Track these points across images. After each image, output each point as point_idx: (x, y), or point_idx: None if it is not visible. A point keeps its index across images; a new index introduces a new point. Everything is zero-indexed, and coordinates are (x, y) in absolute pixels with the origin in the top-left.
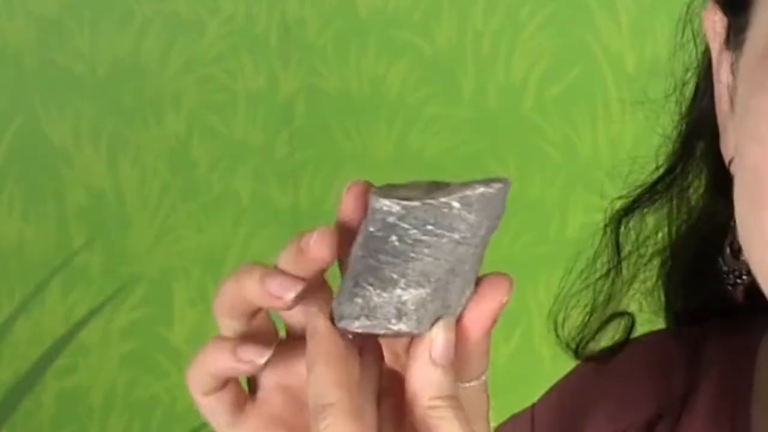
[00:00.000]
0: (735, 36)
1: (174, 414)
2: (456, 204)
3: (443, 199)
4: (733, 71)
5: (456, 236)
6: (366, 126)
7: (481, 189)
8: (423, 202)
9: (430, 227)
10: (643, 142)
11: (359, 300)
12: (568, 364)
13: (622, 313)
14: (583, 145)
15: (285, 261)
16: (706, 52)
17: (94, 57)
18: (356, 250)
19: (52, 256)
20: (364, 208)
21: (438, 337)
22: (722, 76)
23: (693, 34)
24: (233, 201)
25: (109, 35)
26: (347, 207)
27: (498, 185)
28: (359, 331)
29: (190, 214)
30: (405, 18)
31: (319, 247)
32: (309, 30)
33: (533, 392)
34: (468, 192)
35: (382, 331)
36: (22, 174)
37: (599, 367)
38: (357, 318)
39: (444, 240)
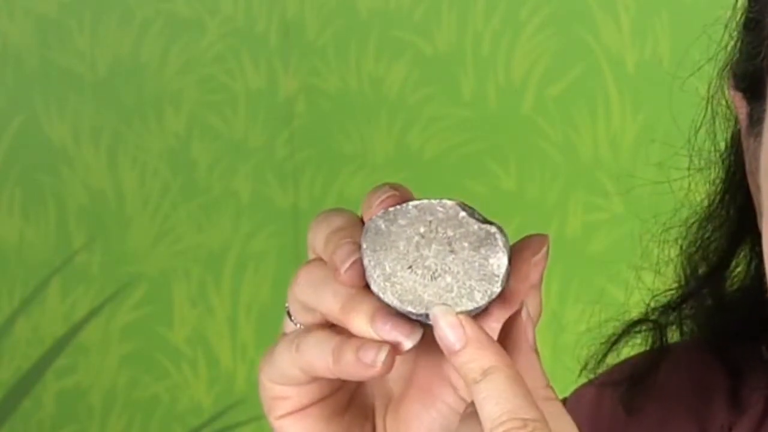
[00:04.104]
0: (755, 125)
1: (174, 414)
2: None
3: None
4: (756, 157)
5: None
6: (366, 126)
7: (481, 303)
8: (424, 313)
9: None
10: (643, 142)
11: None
12: (568, 365)
13: (644, 321)
14: (583, 145)
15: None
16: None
17: (94, 57)
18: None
19: (52, 256)
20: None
21: (528, 323)
22: (749, 158)
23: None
24: (233, 201)
25: (109, 35)
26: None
27: (494, 290)
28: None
29: (190, 214)
30: (405, 18)
31: (350, 276)
32: (309, 30)
33: None
34: (470, 307)
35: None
36: (22, 174)
37: (633, 384)
38: None
39: None
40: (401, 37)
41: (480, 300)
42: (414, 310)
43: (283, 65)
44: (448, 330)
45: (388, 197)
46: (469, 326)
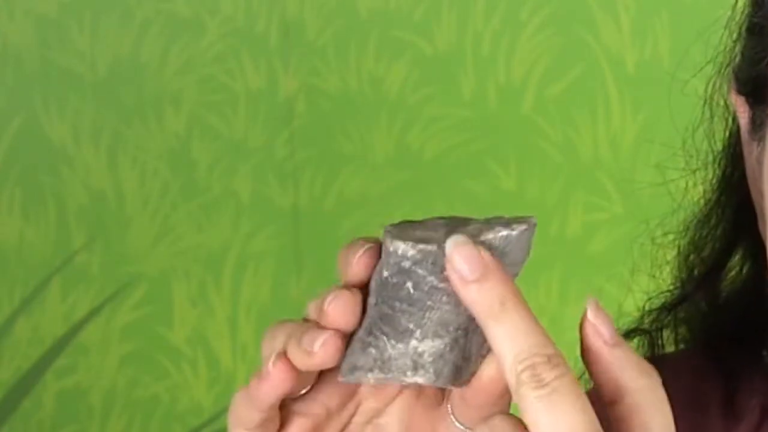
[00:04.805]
0: (757, 129)
1: (174, 414)
2: None
3: None
4: (759, 162)
5: None
6: (366, 126)
7: (503, 232)
8: (440, 246)
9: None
10: (643, 142)
11: (372, 350)
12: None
13: (639, 330)
14: (583, 145)
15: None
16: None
17: (94, 57)
18: (370, 297)
19: (52, 256)
20: (373, 267)
21: (599, 321)
22: (751, 163)
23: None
24: (233, 201)
25: (109, 35)
26: (355, 272)
27: (521, 227)
28: (371, 383)
29: (190, 214)
30: (405, 18)
31: (337, 312)
32: (309, 30)
33: None
34: (490, 236)
35: (396, 383)
36: (22, 174)
37: None
38: (370, 370)
39: None
40: (401, 37)
41: (501, 230)
42: (425, 247)
43: (283, 65)
44: (464, 261)
45: (367, 249)
46: (487, 256)
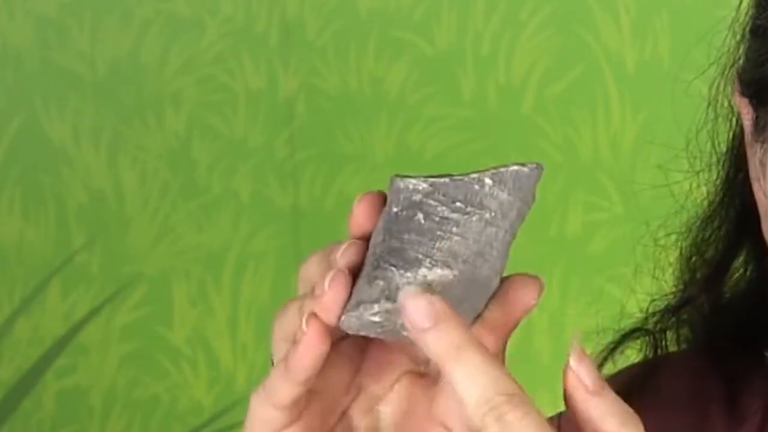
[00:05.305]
0: (761, 131)
1: (174, 414)
2: (488, 180)
3: (474, 175)
4: (763, 164)
5: (486, 215)
6: (366, 126)
7: (514, 167)
8: (452, 178)
9: (459, 204)
10: (643, 142)
11: (380, 282)
12: None
13: (642, 331)
14: (583, 145)
15: (314, 273)
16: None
17: (94, 57)
18: (376, 237)
19: (52, 256)
20: (377, 218)
21: (581, 369)
22: (754, 164)
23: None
24: (233, 201)
25: (109, 35)
26: (359, 218)
27: (531, 166)
28: (376, 332)
29: (190, 214)
30: (405, 18)
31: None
32: (309, 30)
33: (532, 393)
34: (502, 169)
35: (400, 322)
36: (22, 174)
37: (630, 393)
38: (377, 301)
39: (473, 218)
40: (401, 37)
41: (512, 165)
42: (436, 180)
43: (283, 65)
44: (417, 310)
45: (369, 196)
46: (439, 303)
